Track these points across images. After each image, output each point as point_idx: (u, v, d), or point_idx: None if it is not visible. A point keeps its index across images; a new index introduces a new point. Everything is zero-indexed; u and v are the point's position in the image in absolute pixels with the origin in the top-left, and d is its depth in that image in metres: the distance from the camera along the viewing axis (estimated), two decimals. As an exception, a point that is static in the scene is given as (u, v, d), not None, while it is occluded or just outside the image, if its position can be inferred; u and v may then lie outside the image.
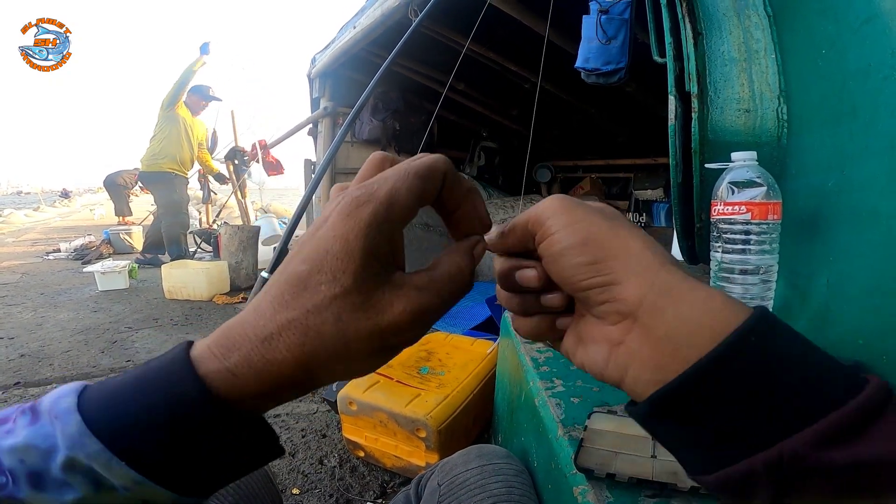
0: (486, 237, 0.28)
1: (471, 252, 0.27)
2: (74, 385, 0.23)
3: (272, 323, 0.22)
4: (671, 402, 0.21)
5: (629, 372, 0.23)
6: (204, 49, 3.65)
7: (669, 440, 0.23)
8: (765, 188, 0.66)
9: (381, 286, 0.23)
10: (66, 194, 17.01)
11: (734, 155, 0.69)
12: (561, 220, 0.24)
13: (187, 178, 4.04)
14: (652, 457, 0.47)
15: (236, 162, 4.37)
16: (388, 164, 0.26)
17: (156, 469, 0.21)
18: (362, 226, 0.22)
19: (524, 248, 0.27)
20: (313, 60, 3.59)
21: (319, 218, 0.24)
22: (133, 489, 0.21)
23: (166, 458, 0.22)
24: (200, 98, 3.99)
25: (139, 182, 4.71)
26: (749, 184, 0.67)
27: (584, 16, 1.31)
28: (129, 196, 6.59)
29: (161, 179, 3.80)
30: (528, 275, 0.27)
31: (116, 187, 6.27)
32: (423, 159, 0.25)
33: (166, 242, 3.93)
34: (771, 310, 0.58)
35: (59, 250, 5.13)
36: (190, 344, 0.24)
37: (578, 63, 1.34)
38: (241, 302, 2.99)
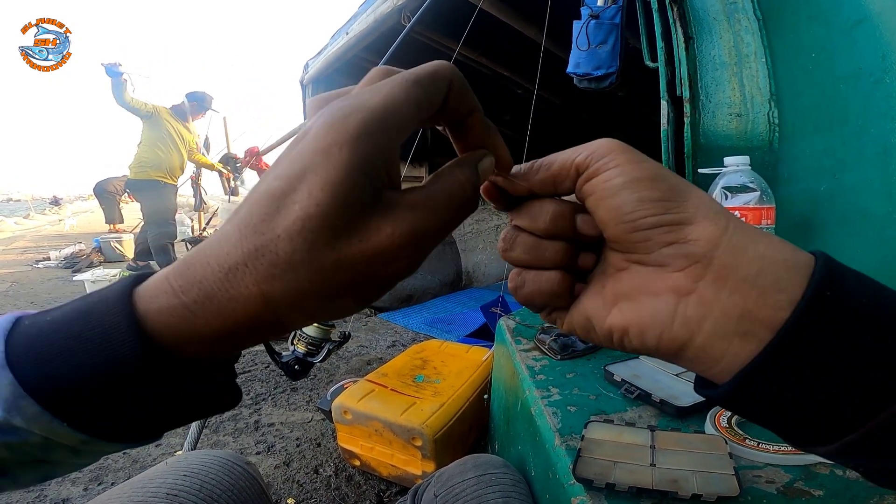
0: (513, 168, 0.25)
1: (475, 166, 0.23)
2: (10, 315, 0.20)
3: (237, 251, 0.18)
4: (776, 361, 0.19)
5: (705, 326, 0.20)
6: (110, 72, 3.36)
7: (764, 413, 0.20)
8: (758, 193, 0.66)
9: (368, 207, 0.19)
10: (56, 201, 16.85)
11: (727, 160, 0.69)
12: (623, 157, 0.22)
13: (176, 186, 3.99)
14: (651, 465, 0.46)
15: (229, 168, 4.35)
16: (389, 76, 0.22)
17: (67, 410, 0.19)
18: (349, 137, 0.18)
19: (552, 189, 0.24)
20: (306, 66, 3.58)
21: (300, 132, 0.20)
22: (33, 424, 0.19)
23: (87, 406, 0.19)
24: (198, 108, 3.92)
25: (126, 190, 4.58)
26: (742, 189, 0.67)
27: (574, 21, 1.32)
28: (120, 203, 6.54)
29: (149, 187, 3.74)
30: (589, 220, 0.24)
31: (107, 194, 6.21)
32: (424, 65, 0.21)
33: (154, 252, 3.88)
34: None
35: (48, 258, 5.08)
36: (141, 278, 0.21)
37: (570, 68, 1.35)
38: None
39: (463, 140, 0.24)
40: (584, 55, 1.30)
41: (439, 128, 0.24)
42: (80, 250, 5.19)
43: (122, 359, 0.19)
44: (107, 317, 0.19)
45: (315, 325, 1.03)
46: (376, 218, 0.19)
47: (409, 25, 1.37)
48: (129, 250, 4.91)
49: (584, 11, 1.31)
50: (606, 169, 0.22)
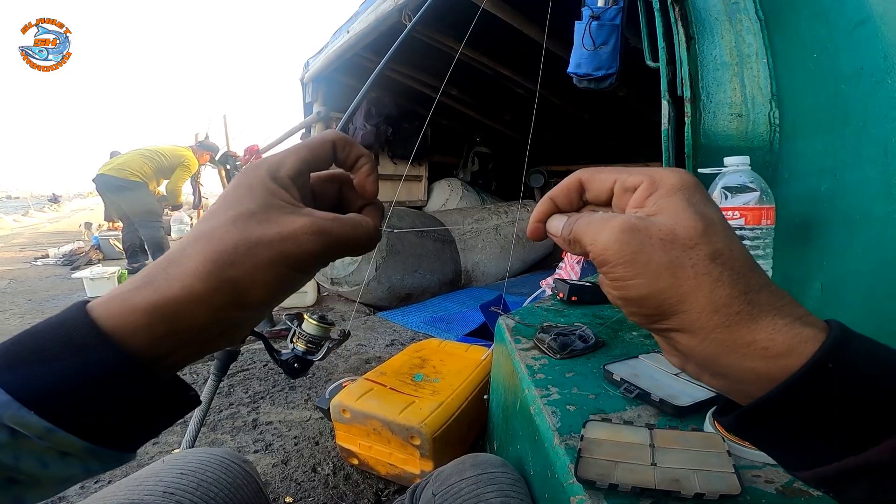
0: (549, 228, 0.31)
1: (378, 218, 0.32)
2: None
3: (178, 251, 0.25)
4: (743, 426, 0.25)
5: (702, 380, 0.26)
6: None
7: (756, 444, 0.26)
8: (758, 193, 0.66)
9: (286, 211, 0.26)
10: (55, 199, 16.83)
11: (727, 160, 0.69)
12: (624, 270, 0.25)
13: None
14: (652, 464, 0.46)
15: (228, 167, 4.34)
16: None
17: (65, 417, 0.22)
18: (260, 175, 0.27)
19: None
20: (306, 65, 3.58)
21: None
22: (47, 438, 0.22)
23: (71, 406, 0.22)
24: (204, 148, 4.14)
25: (96, 186, 4.22)
26: (742, 189, 0.66)
27: (576, 21, 1.32)
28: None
29: (130, 187, 3.69)
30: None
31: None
32: (318, 134, 0.31)
33: (150, 249, 3.84)
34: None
35: (47, 256, 5.07)
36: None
37: (570, 69, 1.35)
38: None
39: (357, 177, 0.33)
40: (586, 56, 1.30)
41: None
42: (79, 247, 5.18)
43: (79, 349, 0.22)
44: (64, 315, 0.24)
45: (315, 323, 1.03)
46: (292, 216, 0.26)
47: (410, 24, 1.37)
48: (128, 248, 4.89)
49: (586, 12, 1.32)
50: (610, 278, 0.26)
